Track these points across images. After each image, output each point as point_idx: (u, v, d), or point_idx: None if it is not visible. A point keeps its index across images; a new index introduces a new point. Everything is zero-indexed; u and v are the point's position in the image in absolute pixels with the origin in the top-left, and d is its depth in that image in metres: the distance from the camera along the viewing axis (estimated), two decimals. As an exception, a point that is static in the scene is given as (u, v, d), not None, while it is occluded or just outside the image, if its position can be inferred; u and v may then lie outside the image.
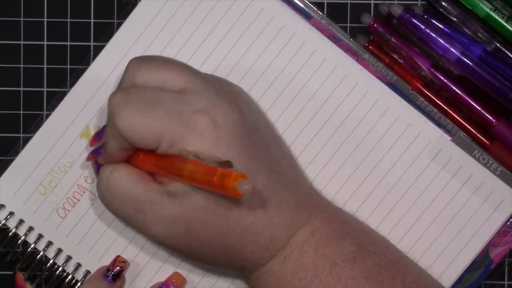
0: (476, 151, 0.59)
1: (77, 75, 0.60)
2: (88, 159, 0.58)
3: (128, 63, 0.54)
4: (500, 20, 0.59)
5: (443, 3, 0.60)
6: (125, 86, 0.53)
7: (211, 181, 0.48)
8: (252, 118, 0.54)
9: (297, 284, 0.53)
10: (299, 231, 0.53)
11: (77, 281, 0.60)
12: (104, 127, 0.57)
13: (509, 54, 0.60)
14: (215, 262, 0.55)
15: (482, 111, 0.60)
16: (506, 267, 0.62)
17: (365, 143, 0.59)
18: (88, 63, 0.60)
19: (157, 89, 0.52)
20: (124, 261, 0.59)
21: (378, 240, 0.56)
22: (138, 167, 0.54)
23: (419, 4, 0.61)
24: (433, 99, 0.60)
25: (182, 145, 0.51)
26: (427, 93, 0.60)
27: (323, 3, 0.62)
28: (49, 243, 0.60)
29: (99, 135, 0.58)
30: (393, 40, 0.60)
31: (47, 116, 0.60)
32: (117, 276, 0.59)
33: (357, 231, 0.56)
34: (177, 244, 0.53)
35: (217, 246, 0.53)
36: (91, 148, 0.58)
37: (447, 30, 0.60)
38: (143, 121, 0.51)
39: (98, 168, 0.57)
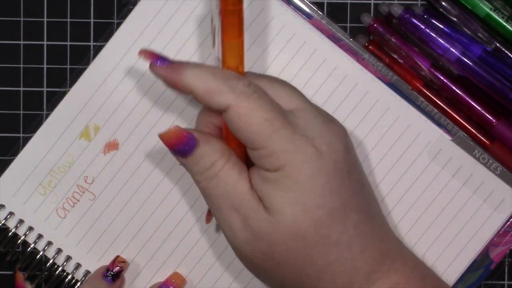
0: (476, 151, 0.59)
1: (77, 75, 0.60)
2: (151, 57, 0.52)
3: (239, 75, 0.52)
4: (500, 20, 0.59)
5: (443, 3, 0.60)
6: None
7: None
8: (353, 155, 0.53)
9: None
10: (377, 282, 0.52)
11: (76, 281, 0.60)
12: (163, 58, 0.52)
13: (509, 54, 0.60)
14: (279, 285, 0.53)
15: (482, 111, 0.60)
16: (506, 267, 0.62)
17: (365, 143, 0.59)
18: (88, 63, 0.60)
19: (280, 105, 0.51)
20: (124, 261, 0.59)
21: None
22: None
23: (419, 4, 0.61)
24: (433, 99, 0.60)
25: (282, 161, 0.50)
26: (427, 93, 0.60)
27: (323, 3, 0.62)
28: (49, 243, 0.60)
29: (163, 59, 0.52)
30: (393, 40, 0.60)
31: (47, 116, 0.60)
32: (117, 276, 0.59)
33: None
34: (253, 258, 0.52)
35: (292, 273, 0.51)
36: (90, 143, 0.59)
37: (447, 30, 0.60)
38: (263, 122, 0.50)
39: (189, 140, 0.51)
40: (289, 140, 0.50)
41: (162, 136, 0.52)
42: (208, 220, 0.59)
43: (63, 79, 0.61)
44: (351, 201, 0.51)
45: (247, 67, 0.59)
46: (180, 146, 0.51)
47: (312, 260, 0.51)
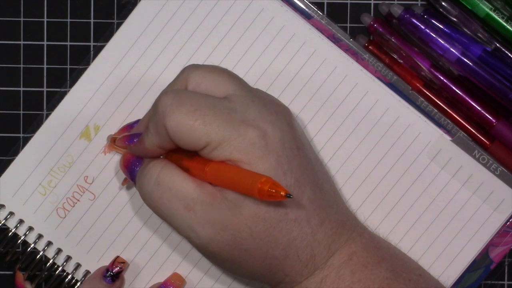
0: (476, 151, 0.59)
1: (77, 75, 0.60)
2: (118, 142, 0.57)
3: (185, 67, 0.55)
4: (500, 20, 0.59)
5: (443, 3, 0.60)
6: (177, 88, 0.54)
7: (253, 186, 0.48)
8: (299, 132, 0.54)
9: None
10: (337, 253, 0.53)
11: (76, 281, 0.60)
12: (137, 121, 0.58)
13: (509, 54, 0.60)
14: (253, 275, 0.54)
15: (482, 111, 0.60)
16: (506, 267, 0.62)
17: (365, 143, 0.59)
18: (88, 63, 0.60)
19: (208, 95, 0.53)
20: (123, 262, 0.59)
21: (411, 267, 0.56)
22: (182, 167, 0.54)
23: (419, 4, 0.61)
24: (433, 99, 0.60)
25: (229, 150, 0.51)
26: (427, 93, 0.60)
27: (323, 3, 0.62)
28: (49, 243, 0.60)
29: (130, 126, 0.58)
30: (393, 40, 0.60)
31: (47, 116, 0.60)
32: (116, 277, 0.59)
33: (392, 257, 0.56)
34: (221, 251, 0.53)
35: (260, 257, 0.52)
36: (90, 143, 0.59)
37: (447, 30, 0.60)
38: (194, 124, 0.51)
39: (132, 164, 0.56)
40: (228, 128, 0.51)
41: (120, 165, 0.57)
42: (123, 183, 0.60)
43: (63, 79, 0.61)
44: (304, 176, 0.52)
45: (247, 67, 0.59)
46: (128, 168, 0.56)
47: (276, 240, 0.52)
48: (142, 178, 0.54)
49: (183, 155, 0.53)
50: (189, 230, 0.52)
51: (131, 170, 0.56)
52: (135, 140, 0.56)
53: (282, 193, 0.47)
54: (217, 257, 0.53)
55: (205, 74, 0.54)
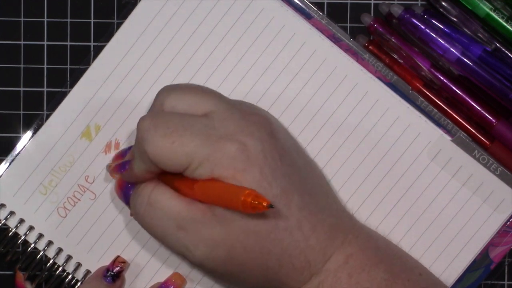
0: (476, 151, 0.59)
1: (77, 75, 0.60)
2: (112, 171, 0.58)
3: (159, 91, 0.55)
4: (500, 20, 0.59)
5: (443, 3, 0.60)
6: (154, 111, 0.54)
7: (237, 200, 0.48)
8: (282, 140, 0.54)
9: None
10: (333, 256, 0.53)
11: (77, 281, 0.60)
12: (130, 147, 0.58)
13: (509, 54, 0.60)
14: (251, 286, 0.55)
15: (482, 111, 0.60)
16: (506, 267, 0.62)
17: (365, 143, 0.59)
18: (88, 63, 0.60)
19: (185, 115, 0.53)
20: (124, 262, 0.60)
21: (411, 267, 0.56)
22: (173, 188, 0.54)
23: (419, 4, 0.61)
24: (433, 99, 0.60)
25: (210, 167, 0.51)
26: (427, 93, 0.60)
27: (323, 3, 0.62)
28: (49, 243, 0.60)
29: (123, 153, 0.58)
30: (393, 40, 0.60)
31: (47, 116, 0.60)
32: (117, 277, 0.59)
33: (390, 258, 0.56)
34: (216, 268, 0.53)
35: (255, 269, 0.53)
36: (91, 143, 0.59)
37: (447, 30, 0.60)
38: (172, 146, 0.51)
39: (126, 188, 0.56)
40: (206, 145, 0.51)
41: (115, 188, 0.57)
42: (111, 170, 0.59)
43: (63, 79, 0.61)
44: (290, 184, 0.52)
45: (247, 67, 0.59)
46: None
47: (269, 251, 0.52)
48: (135, 200, 0.54)
49: (172, 176, 0.53)
50: (183, 249, 0.53)
51: (126, 194, 0.56)
52: (126, 167, 0.56)
53: (265, 204, 0.47)
54: (214, 273, 0.54)
55: (179, 97, 0.54)
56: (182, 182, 0.53)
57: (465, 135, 0.59)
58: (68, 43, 0.62)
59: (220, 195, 0.50)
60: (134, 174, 0.54)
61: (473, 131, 0.60)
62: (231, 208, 0.50)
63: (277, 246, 0.52)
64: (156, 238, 0.54)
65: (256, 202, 0.47)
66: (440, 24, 0.60)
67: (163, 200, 0.53)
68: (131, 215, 0.56)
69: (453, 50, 0.59)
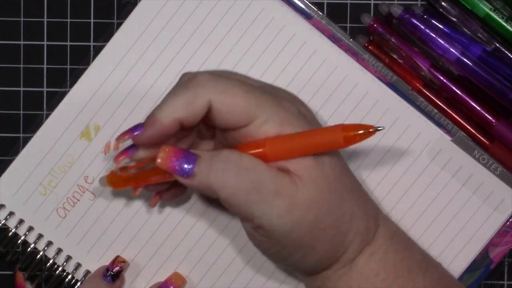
0: (476, 151, 0.59)
1: (77, 75, 0.60)
2: (122, 136, 0.53)
3: (198, 79, 0.51)
4: (500, 20, 0.59)
5: (443, 3, 0.60)
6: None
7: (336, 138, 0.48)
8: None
9: (379, 284, 0.53)
10: (380, 228, 0.54)
11: (77, 281, 0.60)
12: (130, 146, 0.53)
13: (509, 54, 0.60)
14: (318, 258, 0.52)
15: (482, 111, 0.60)
16: (506, 267, 0.62)
17: (365, 143, 0.59)
18: (88, 63, 0.60)
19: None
20: (124, 261, 0.59)
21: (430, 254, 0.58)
22: None
23: (419, 4, 0.61)
24: (433, 99, 0.60)
25: (280, 123, 0.50)
26: (427, 93, 0.60)
27: (323, 3, 0.62)
28: (49, 243, 0.60)
29: (129, 151, 0.54)
30: (393, 40, 0.60)
31: (47, 116, 0.60)
32: (116, 276, 0.59)
33: (416, 243, 0.57)
34: (302, 236, 0.50)
35: (332, 236, 0.51)
36: (91, 143, 0.58)
37: (447, 30, 0.60)
38: (245, 95, 0.50)
39: (182, 156, 0.51)
40: (275, 102, 0.50)
41: (161, 163, 0.50)
42: (153, 204, 0.57)
43: (63, 79, 0.61)
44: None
45: (247, 67, 0.59)
46: (182, 165, 0.50)
47: (343, 213, 0.51)
48: (222, 166, 0.50)
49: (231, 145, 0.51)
50: (276, 218, 0.49)
51: (182, 163, 0.50)
52: (134, 150, 0.53)
53: (371, 130, 0.47)
54: (296, 243, 0.51)
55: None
56: (247, 146, 0.50)
57: (465, 135, 0.59)
58: (68, 43, 0.62)
59: (307, 144, 0.48)
60: (159, 121, 0.50)
61: (473, 131, 0.61)
62: (327, 149, 0.49)
63: (349, 208, 0.51)
64: (239, 210, 0.50)
65: (361, 132, 0.47)
66: (440, 24, 0.60)
67: (257, 166, 0.50)
68: (152, 206, 0.55)
69: (453, 50, 0.59)
